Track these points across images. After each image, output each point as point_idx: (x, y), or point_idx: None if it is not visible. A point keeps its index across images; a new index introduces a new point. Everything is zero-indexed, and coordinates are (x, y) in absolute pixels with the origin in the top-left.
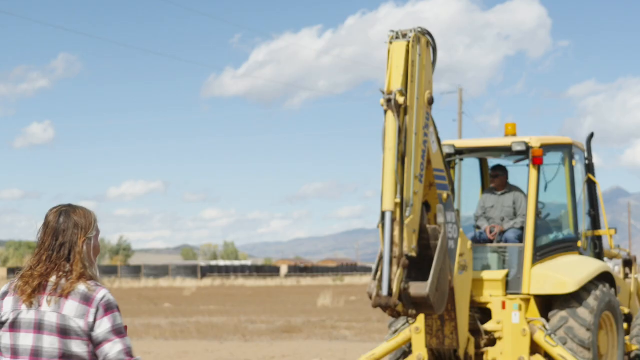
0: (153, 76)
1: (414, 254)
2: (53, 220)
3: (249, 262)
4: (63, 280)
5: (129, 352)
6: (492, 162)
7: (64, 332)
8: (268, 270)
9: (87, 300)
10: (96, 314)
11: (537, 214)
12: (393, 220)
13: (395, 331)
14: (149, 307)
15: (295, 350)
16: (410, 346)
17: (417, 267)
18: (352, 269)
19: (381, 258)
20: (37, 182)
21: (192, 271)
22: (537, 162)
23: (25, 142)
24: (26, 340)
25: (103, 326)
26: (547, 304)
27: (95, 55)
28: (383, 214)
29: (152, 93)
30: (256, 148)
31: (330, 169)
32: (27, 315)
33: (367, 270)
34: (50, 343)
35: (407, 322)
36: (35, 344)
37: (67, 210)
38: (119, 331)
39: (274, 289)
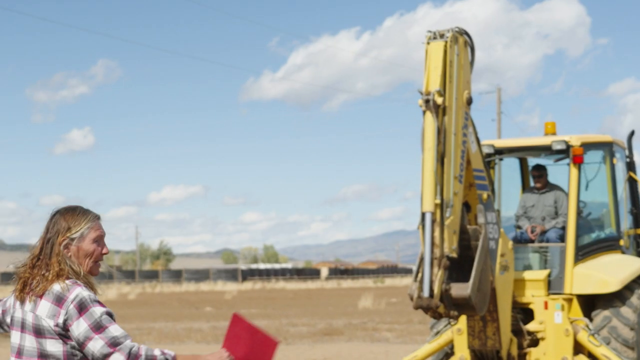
0: (192, 80)
1: (454, 254)
2: (47, 221)
3: (289, 265)
4: (41, 280)
5: (112, 343)
6: (532, 161)
7: (38, 331)
8: (308, 272)
9: (59, 301)
10: (67, 315)
11: (579, 213)
12: (433, 222)
13: (437, 332)
14: (190, 311)
15: (337, 352)
16: (452, 347)
17: (458, 268)
18: (392, 270)
19: (422, 259)
20: (77, 188)
21: (233, 275)
22: (578, 161)
23: (65, 149)
24: (15, 338)
25: (81, 327)
26: (590, 303)
27: (134, 60)
28: (423, 215)
29: (191, 97)
30: (295, 151)
31: (370, 171)
32: (16, 314)
33: (407, 271)
34: (30, 342)
35: (449, 323)
36: (20, 342)
37: (59, 211)
38: (98, 326)
39: (315, 292)
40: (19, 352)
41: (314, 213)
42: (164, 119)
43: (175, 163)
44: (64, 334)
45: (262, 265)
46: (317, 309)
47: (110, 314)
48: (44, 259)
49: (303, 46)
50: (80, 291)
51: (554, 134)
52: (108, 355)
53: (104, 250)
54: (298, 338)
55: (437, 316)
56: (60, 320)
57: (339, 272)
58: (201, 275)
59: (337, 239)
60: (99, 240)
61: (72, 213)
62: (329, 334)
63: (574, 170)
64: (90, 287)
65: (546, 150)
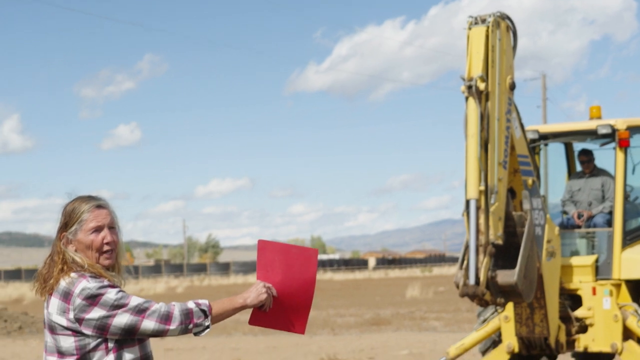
0: (237, 73)
1: (500, 241)
2: None
3: (336, 256)
4: (49, 277)
5: (137, 311)
6: (578, 146)
7: (51, 328)
8: (356, 263)
9: (66, 297)
10: (76, 309)
11: (625, 197)
12: (478, 208)
13: (484, 320)
14: None
15: (385, 342)
16: (499, 335)
17: (504, 255)
18: (440, 259)
19: (467, 247)
20: (125, 183)
21: None
22: (624, 145)
23: (112, 144)
24: (45, 335)
25: (97, 314)
26: (639, 288)
27: (179, 54)
28: (467, 202)
29: (236, 90)
30: (341, 142)
31: (416, 161)
32: (44, 311)
33: (455, 260)
34: (49, 339)
35: (496, 310)
36: (45, 339)
37: (64, 206)
38: (116, 307)
39: (362, 282)
40: (45, 349)
41: (360, 204)
42: (209, 112)
43: (221, 156)
44: (75, 328)
45: None
46: (365, 299)
47: (123, 292)
48: (52, 257)
49: (348, 37)
50: (85, 284)
51: (599, 118)
52: (136, 325)
53: (106, 239)
54: (345, 328)
55: (484, 304)
56: (72, 316)
57: (386, 262)
58: (249, 267)
59: (384, 229)
60: (98, 229)
61: (69, 207)
62: (376, 323)
63: (620, 154)
64: (100, 276)
65: (591, 134)
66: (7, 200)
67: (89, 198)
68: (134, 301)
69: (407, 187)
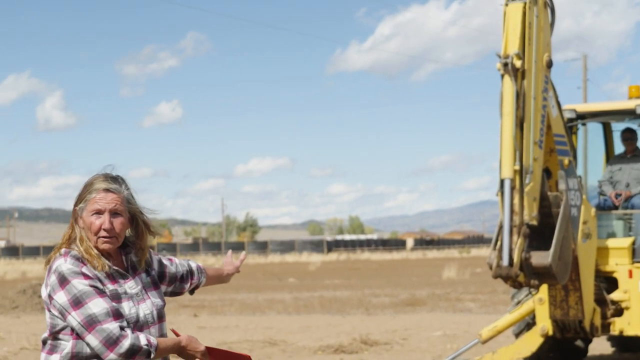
0: (279, 52)
1: (534, 222)
2: None
3: (374, 236)
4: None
5: (88, 322)
6: (616, 126)
7: (45, 304)
8: (394, 243)
9: (48, 271)
10: (50, 285)
11: None
12: (512, 188)
13: (518, 302)
14: (273, 282)
15: (418, 323)
16: (533, 317)
17: (538, 236)
18: (478, 240)
19: (501, 227)
20: (166, 161)
21: (318, 246)
22: None
23: (154, 122)
24: None
25: (61, 300)
26: None
27: (222, 32)
28: (502, 181)
29: (278, 69)
30: (382, 122)
31: (458, 141)
32: None
33: None
34: None
35: (530, 292)
36: None
37: None
38: (76, 301)
39: (400, 263)
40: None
41: (400, 184)
42: (251, 90)
43: (262, 135)
44: (48, 304)
45: (347, 237)
46: (401, 280)
47: (95, 287)
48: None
49: (391, 16)
50: (61, 263)
51: (638, 97)
52: (82, 334)
53: (104, 225)
54: (380, 309)
55: (517, 285)
56: (47, 292)
57: (424, 242)
58: (286, 246)
59: (423, 209)
60: (99, 212)
61: (88, 181)
62: (411, 304)
63: None
64: (86, 260)
65: (630, 114)
66: (48, 177)
67: (105, 178)
68: (93, 307)
69: (447, 167)
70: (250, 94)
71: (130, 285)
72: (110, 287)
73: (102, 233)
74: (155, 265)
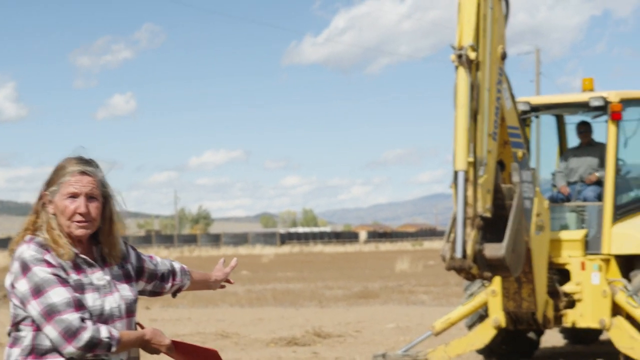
0: (235, 44)
1: (488, 214)
2: None
3: (328, 229)
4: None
5: (47, 312)
6: (569, 119)
7: (8, 293)
8: (347, 236)
9: (12, 259)
10: (14, 273)
11: (617, 171)
12: (466, 180)
13: (471, 294)
14: None
15: (371, 315)
16: (486, 310)
17: (492, 228)
18: (431, 233)
19: (454, 219)
20: (119, 153)
21: (272, 238)
22: (616, 118)
23: (107, 114)
24: None
25: (22, 288)
26: (628, 264)
27: (178, 23)
28: (456, 173)
29: (234, 61)
30: (337, 114)
31: (412, 135)
32: None
33: None
34: None
35: (483, 285)
36: None
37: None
38: (37, 290)
39: (353, 255)
40: None
41: (354, 177)
42: (205, 83)
43: (216, 127)
44: (11, 293)
45: (300, 229)
46: (354, 272)
47: (58, 276)
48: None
49: (346, 9)
50: (24, 249)
51: (591, 90)
52: (40, 325)
53: (80, 209)
54: (333, 301)
55: (471, 278)
56: (12, 278)
57: (377, 235)
58: (240, 239)
59: (377, 202)
60: (74, 196)
61: (60, 164)
62: (364, 296)
63: (612, 128)
64: (51, 248)
65: (584, 107)
66: (0, 169)
67: (79, 161)
68: (53, 296)
69: (401, 160)
70: (204, 86)
71: (98, 277)
72: (74, 277)
73: (77, 218)
74: (133, 259)
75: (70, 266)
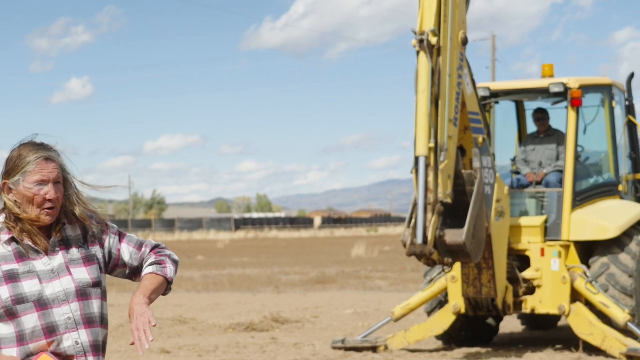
0: (193, 29)
1: (449, 200)
2: None
3: (282, 214)
4: None
5: None
6: (529, 105)
7: None
8: (302, 222)
9: None
10: None
11: (577, 157)
12: (427, 166)
13: (431, 280)
14: (182, 260)
15: (329, 301)
16: (446, 295)
17: (452, 214)
18: (386, 219)
19: (415, 205)
20: (75, 138)
21: (226, 224)
22: (576, 104)
23: (63, 98)
24: None
25: None
26: (588, 250)
27: (139, 7)
28: (417, 159)
29: (191, 46)
30: (295, 100)
31: (370, 121)
32: None
33: (401, 220)
34: None
35: (443, 270)
36: None
37: (12, 150)
38: None
39: (308, 241)
40: None
41: (311, 162)
42: (163, 68)
43: (173, 112)
44: None
45: (255, 215)
46: (310, 258)
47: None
48: None
49: None
50: None
51: (551, 76)
52: None
53: (49, 195)
54: (290, 287)
55: (431, 263)
56: None
57: (332, 221)
58: (194, 224)
59: (332, 188)
60: (42, 183)
61: (15, 153)
62: (321, 282)
63: (572, 114)
64: (14, 232)
65: (544, 93)
66: None
67: (39, 147)
68: None
69: (358, 146)
70: (161, 71)
71: (44, 262)
72: (5, 267)
73: (47, 205)
74: (109, 243)
75: (10, 255)
